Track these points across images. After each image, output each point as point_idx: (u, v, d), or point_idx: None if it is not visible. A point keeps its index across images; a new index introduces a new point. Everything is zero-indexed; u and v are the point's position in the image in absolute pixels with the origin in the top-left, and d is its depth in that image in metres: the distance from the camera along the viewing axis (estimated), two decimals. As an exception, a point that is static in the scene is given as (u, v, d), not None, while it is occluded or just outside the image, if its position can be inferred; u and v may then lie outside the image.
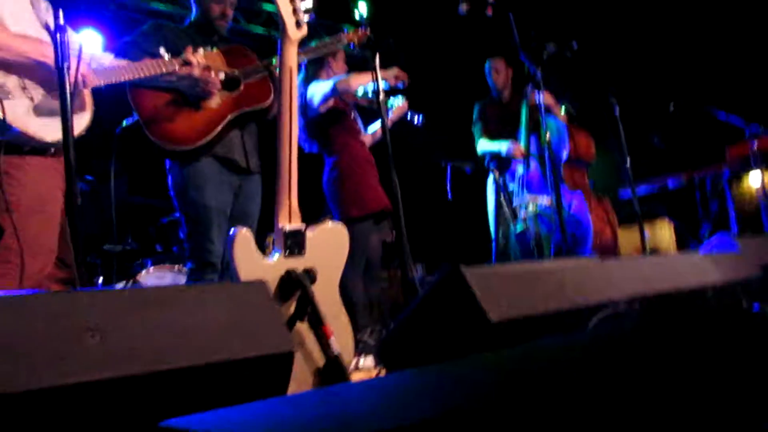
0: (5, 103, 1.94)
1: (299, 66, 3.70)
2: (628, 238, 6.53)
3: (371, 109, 3.88)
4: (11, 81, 2.00)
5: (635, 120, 4.87)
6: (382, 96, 2.53)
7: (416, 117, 3.94)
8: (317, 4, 2.10)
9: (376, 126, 3.92)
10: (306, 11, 1.96)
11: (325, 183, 3.70)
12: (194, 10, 3.17)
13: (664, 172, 5.39)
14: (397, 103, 3.83)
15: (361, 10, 7.68)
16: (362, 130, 3.89)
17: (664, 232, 6.88)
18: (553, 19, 6.06)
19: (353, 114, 3.85)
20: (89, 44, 5.09)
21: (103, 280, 4.37)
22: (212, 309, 1.28)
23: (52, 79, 1.94)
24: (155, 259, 4.58)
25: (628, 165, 4.31)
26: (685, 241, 6.15)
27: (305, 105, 3.67)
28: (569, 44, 4.15)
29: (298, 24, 1.95)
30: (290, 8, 1.94)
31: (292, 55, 1.97)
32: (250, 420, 0.78)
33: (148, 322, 1.20)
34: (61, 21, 1.70)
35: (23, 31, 2.07)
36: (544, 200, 4.01)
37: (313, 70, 3.76)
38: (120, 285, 4.08)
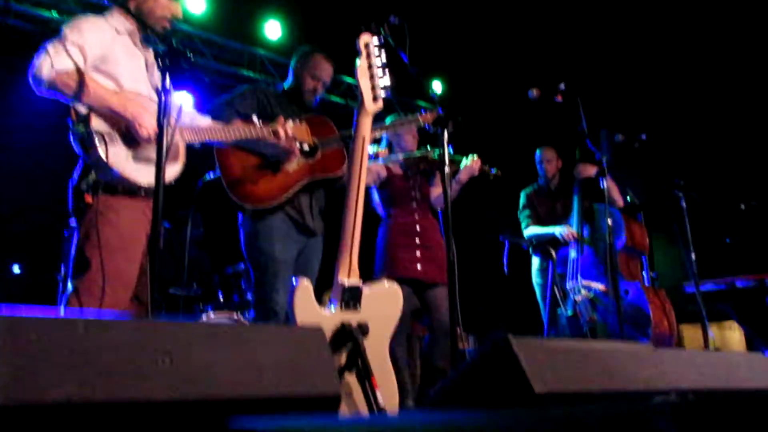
0: (110, 148, 2.18)
1: (381, 138, 3.93)
2: (692, 336, 6.24)
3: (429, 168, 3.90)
4: (118, 131, 2.24)
5: (705, 216, 4.80)
6: (447, 170, 2.60)
7: (491, 170, 3.83)
8: (394, 80, 2.25)
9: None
10: (383, 88, 2.13)
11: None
12: (290, 78, 3.46)
13: (733, 271, 5.23)
14: (467, 161, 3.73)
15: (435, 88, 7.89)
16: (416, 196, 3.87)
17: (733, 335, 6.52)
18: (623, 109, 6.15)
19: (407, 182, 3.90)
20: (183, 104, 5.55)
21: (166, 321, 4.57)
22: (271, 347, 1.38)
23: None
24: (216, 305, 4.78)
25: (693, 259, 4.24)
26: (755, 346, 5.83)
27: None
28: (638, 135, 4.22)
29: (375, 98, 2.12)
30: (369, 84, 2.12)
31: (366, 126, 2.13)
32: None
33: (213, 353, 1.31)
34: (168, 85, 1.93)
35: (136, 89, 2.35)
36: (599, 286, 3.98)
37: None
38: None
